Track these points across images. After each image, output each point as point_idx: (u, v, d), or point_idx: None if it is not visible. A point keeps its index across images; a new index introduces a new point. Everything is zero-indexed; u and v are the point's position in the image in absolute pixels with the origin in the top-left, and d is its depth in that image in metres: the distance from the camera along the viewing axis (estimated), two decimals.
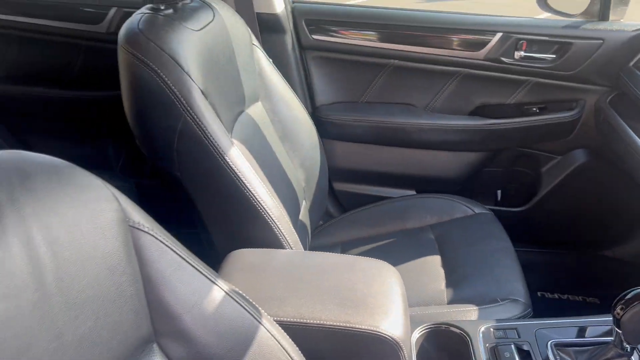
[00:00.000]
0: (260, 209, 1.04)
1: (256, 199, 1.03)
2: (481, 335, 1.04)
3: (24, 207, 0.55)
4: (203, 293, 0.72)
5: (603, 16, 1.53)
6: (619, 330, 0.90)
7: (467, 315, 1.14)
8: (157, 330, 0.68)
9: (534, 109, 1.62)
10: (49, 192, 0.59)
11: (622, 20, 1.55)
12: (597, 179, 1.65)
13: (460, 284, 1.26)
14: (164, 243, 0.69)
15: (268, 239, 1.05)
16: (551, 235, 1.74)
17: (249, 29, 1.36)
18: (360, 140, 1.71)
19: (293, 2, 1.65)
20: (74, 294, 0.57)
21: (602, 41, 1.49)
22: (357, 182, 1.78)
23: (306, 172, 1.46)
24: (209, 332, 0.71)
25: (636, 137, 1.36)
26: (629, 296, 0.88)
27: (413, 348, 1.03)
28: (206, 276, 0.73)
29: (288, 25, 1.60)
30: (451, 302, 1.22)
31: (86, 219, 0.60)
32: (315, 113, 1.69)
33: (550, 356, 0.98)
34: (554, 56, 1.54)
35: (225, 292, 0.74)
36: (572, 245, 1.73)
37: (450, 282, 1.28)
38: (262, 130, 1.32)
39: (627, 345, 0.92)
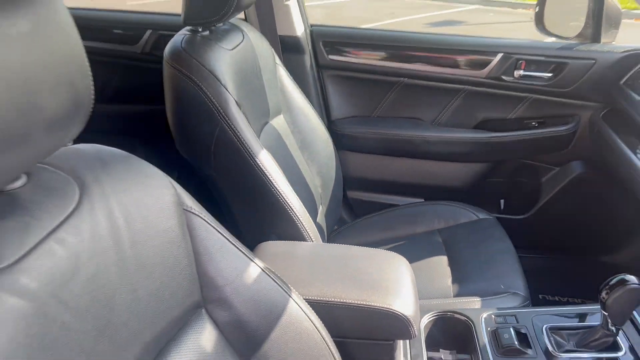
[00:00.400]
0: (286, 205, 1.17)
1: (282, 196, 1.17)
2: (483, 321, 1.15)
3: (105, 187, 0.69)
4: (242, 268, 0.85)
5: (595, 39, 1.66)
6: (605, 313, 1.02)
7: (470, 305, 1.26)
8: (205, 297, 0.81)
9: (533, 123, 1.75)
10: (123, 176, 0.73)
11: (613, 42, 1.68)
12: (594, 189, 1.76)
13: (465, 280, 1.38)
14: (210, 225, 0.82)
15: (293, 233, 1.18)
16: (551, 242, 1.85)
17: (273, 50, 1.51)
18: (372, 152, 1.85)
19: (311, 26, 1.81)
20: (144, 258, 0.71)
21: (594, 61, 1.63)
22: (369, 191, 1.91)
23: (323, 179, 1.59)
24: (247, 301, 0.83)
25: (628, 150, 1.47)
26: (612, 282, 1.00)
27: (422, 332, 1.15)
28: (245, 254, 0.86)
29: (307, 46, 1.76)
30: (457, 295, 1.33)
31: (151, 200, 0.74)
32: (331, 126, 1.83)
33: (545, 338, 1.09)
34: (551, 75, 1.68)
35: (261, 269, 0.87)
36: (571, 251, 1.84)
37: (456, 278, 1.40)
38: (284, 140, 1.46)
39: (612, 327, 1.03)
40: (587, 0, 1.67)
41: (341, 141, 1.80)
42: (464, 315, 1.17)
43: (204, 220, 0.82)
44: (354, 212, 1.92)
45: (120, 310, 0.66)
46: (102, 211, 0.66)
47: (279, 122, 1.48)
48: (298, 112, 1.56)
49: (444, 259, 1.48)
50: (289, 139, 1.50)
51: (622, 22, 1.71)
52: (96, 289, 0.63)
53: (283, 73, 1.54)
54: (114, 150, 0.77)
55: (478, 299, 1.28)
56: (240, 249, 0.85)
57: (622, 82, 1.61)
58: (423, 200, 1.87)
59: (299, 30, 1.73)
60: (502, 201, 1.90)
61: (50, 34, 0.53)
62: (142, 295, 0.70)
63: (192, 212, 0.81)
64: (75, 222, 0.63)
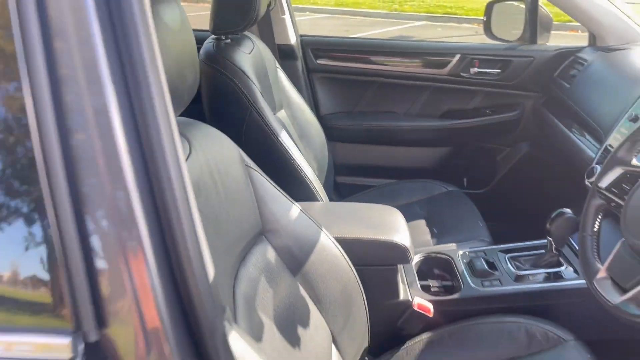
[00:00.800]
0: (303, 174, 1.48)
1: (300, 167, 1.47)
2: (460, 256, 1.49)
3: (201, 143, 0.98)
4: (287, 208, 1.15)
5: (532, 41, 2.05)
6: (549, 238, 1.36)
7: (449, 247, 1.59)
8: (264, 228, 1.11)
9: (487, 111, 2.12)
10: (209, 137, 1.02)
11: (547, 43, 2.08)
12: (540, 164, 2.13)
13: (442, 235, 1.71)
14: (264, 178, 1.12)
15: (308, 195, 1.48)
16: (507, 211, 2.21)
17: (273, 55, 1.82)
18: (356, 141, 2.18)
19: (301, 36, 2.14)
20: (230, 193, 1.00)
21: (533, 58, 2.02)
22: (354, 175, 2.23)
23: (318, 164, 1.90)
24: (292, 232, 1.13)
25: (565, 129, 1.83)
26: (554, 214, 1.35)
27: (413, 267, 1.47)
28: (289, 200, 1.16)
29: (299, 53, 2.08)
30: (437, 244, 1.66)
31: (227, 154, 1.04)
32: (320, 120, 2.15)
33: (508, 264, 1.43)
34: (499, 71, 2.06)
35: (300, 210, 1.17)
36: (523, 217, 2.20)
37: (435, 234, 1.73)
38: (288, 130, 1.77)
39: (555, 250, 1.38)
40: (525, 11, 2.06)
41: (330, 133, 2.12)
42: (445, 254, 1.50)
43: (260, 174, 1.12)
44: (341, 193, 2.24)
45: (221, 227, 0.95)
46: (202, 159, 0.96)
47: (282, 115, 1.78)
48: (296, 108, 1.87)
49: (423, 222, 1.81)
50: (290, 129, 1.80)
51: (560, 34, 2.10)
52: (208, 214, 0.92)
53: (282, 75, 1.85)
54: (197, 121, 1.06)
55: (454, 244, 1.61)
56: (286, 196, 1.15)
57: (555, 74, 2.00)
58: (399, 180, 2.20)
59: (292, 39, 2.06)
60: (465, 179, 2.25)
61: (186, 31, 0.83)
62: (231, 220, 0.99)
63: (252, 168, 1.11)
64: (190, 164, 0.91)
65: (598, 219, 1.08)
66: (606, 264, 1.00)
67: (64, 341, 0.56)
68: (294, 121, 1.86)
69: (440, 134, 2.15)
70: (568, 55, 1.96)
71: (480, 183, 2.22)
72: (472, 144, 2.21)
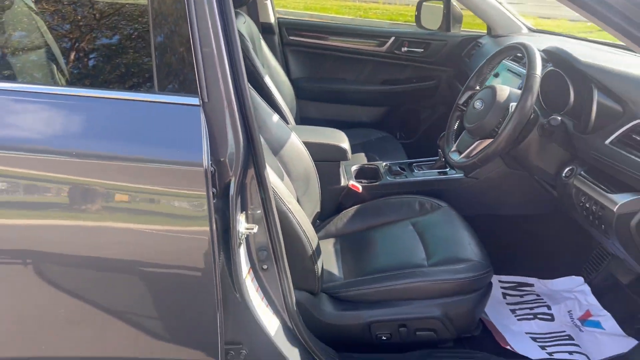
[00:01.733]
0: (280, 104, 2.17)
1: (277, 99, 2.17)
2: (383, 165, 2.21)
3: None
4: (272, 116, 1.84)
5: (447, 29, 2.82)
6: (439, 150, 2.11)
7: (378, 162, 2.29)
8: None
9: (414, 80, 2.88)
10: None
11: (458, 32, 2.85)
12: None
13: (375, 158, 2.43)
14: (261, 99, 1.82)
15: (283, 118, 2.19)
16: (425, 152, 2.97)
17: (257, 30, 2.52)
18: (316, 100, 2.89)
19: (278, 18, 2.84)
20: None
21: (446, 42, 2.78)
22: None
23: (290, 111, 2.60)
24: (274, 131, 1.83)
25: (468, 92, 2.60)
26: (440, 135, 2.10)
27: (352, 172, 2.18)
28: (272, 111, 1.85)
29: (276, 29, 2.79)
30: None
31: None
32: (292, 83, 2.86)
33: (414, 169, 2.17)
34: (422, 50, 2.82)
35: (279, 118, 1.86)
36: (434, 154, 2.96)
37: (369, 158, 2.45)
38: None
39: (442, 159, 2.12)
40: (442, 8, 2.82)
41: (297, 93, 2.83)
42: (374, 164, 2.23)
43: (257, 95, 1.81)
44: None
45: None
46: None
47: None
48: (273, 69, 2.57)
49: (363, 152, 2.52)
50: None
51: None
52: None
53: (264, 44, 2.55)
54: None
55: (382, 162, 2.33)
56: (269, 109, 1.85)
57: (462, 54, 2.77)
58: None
59: (272, 18, 2.77)
60: (397, 133, 3.00)
61: None
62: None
63: (253, 90, 1.80)
64: None
65: (457, 122, 1.83)
66: (456, 142, 1.76)
67: None
68: (272, 78, 2.56)
69: (379, 96, 2.90)
70: (471, 41, 2.74)
71: (408, 134, 2.98)
72: (402, 105, 2.96)
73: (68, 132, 1.04)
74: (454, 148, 1.79)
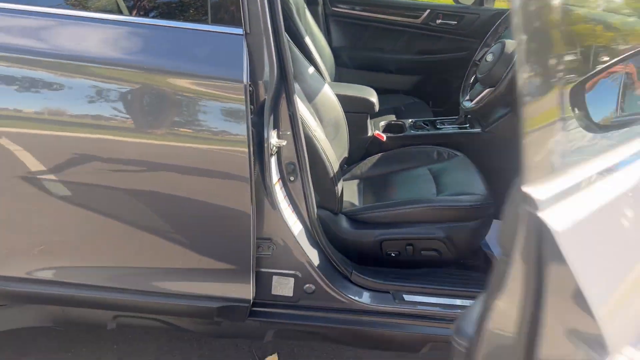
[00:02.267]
0: (317, 61, 2.44)
1: (315, 57, 2.43)
2: (408, 122, 2.44)
3: None
4: (309, 68, 2.11)
5: (481, 4, 3.00)
6: (461, 108, 2.32)
7: (404, 120, 2.53)
8: (296, 76, 2.07)
9: (447, 51, 3.08)
10: None
11: (491, 6, 3.02)
12: None
13: (404, 117, 2.66)
14: (299, 53, 2.09)
15: (320, 72, 2.45)
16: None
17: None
18: (355, 67, 3.14)
19: None
20: None
21: (479, 15, 2.96)
22: None
23: (329, 72, 2.86)
24: (310, 81, 2.09)
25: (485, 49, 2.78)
26: (460, 99, 2.31)
27: (380, 126, 2.43)
28: (308, 64, 2.12)
29: (320, 0, 3.05)
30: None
31: None
32: (332, 50, 3.11)
33: (437, 124, 2.39)
34: (456, 22, 3.01)
35: (315, 70, 2.13)
36: None
37: (400, 116, 2.68)
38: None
39: (463, 116, 2.34)
40: None
41: (338, 60, 3.08)
42: (401, 121, 2.46)
43: (296, 50, 2.08)
44: None
45: None
46: None
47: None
48: (315, 36, 2.83)
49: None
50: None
51: None
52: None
53: (308, 13, 2.81)
54: None
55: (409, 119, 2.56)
56: (306, 62, 2.12)
57: (492, 30, 2.94)
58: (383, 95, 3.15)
59: None
60: (430, 101, 3.20)
61: None
62: None
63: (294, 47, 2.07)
64: None
65: (473, 76, 2.05)
66: (470, 92, 1.98)
67: None
68: (313, 42, 2.82)
69: (414, 65, 3.12)
70: (502, 15, 2.90)
71: (439, 103, 3.18)
72: (435, 75, 3.16)
73: (140, 52, 1.35)
74: (467, 97, 2.01)
